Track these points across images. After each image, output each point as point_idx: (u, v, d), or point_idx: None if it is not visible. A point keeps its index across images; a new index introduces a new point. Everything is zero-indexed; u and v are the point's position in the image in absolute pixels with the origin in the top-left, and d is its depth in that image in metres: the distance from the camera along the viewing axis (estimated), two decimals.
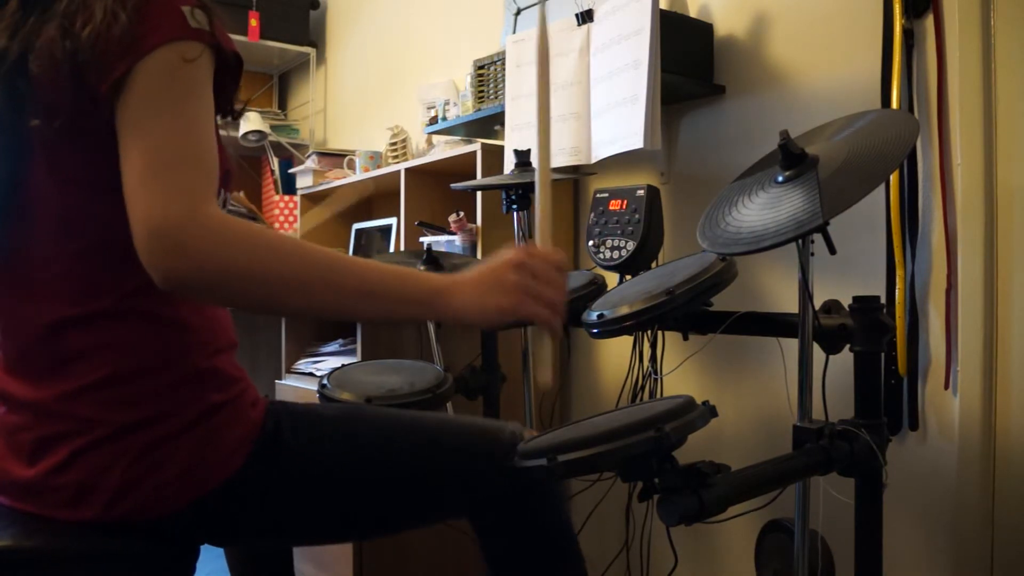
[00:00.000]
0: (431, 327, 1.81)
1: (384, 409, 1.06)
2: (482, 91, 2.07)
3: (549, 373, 0.89)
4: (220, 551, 1.10)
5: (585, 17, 1.78)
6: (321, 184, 2.81)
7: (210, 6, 0.83)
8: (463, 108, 2.16)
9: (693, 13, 1.83)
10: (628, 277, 1.55)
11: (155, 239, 0.73)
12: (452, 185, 1.81)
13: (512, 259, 0.86)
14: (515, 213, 1.71)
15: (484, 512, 1.06)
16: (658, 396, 1.62)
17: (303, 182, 2.96)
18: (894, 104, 1.42)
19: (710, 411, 0.93)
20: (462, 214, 2.04)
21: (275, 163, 3.32)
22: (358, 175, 2.62)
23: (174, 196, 0.74)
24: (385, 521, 1.03)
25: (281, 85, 3.77)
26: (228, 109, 0.91)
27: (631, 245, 1.54)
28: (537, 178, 0.95)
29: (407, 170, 2.28)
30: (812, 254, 1.11)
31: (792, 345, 1.17)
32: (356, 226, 2.83)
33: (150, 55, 0.77)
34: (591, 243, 1.63)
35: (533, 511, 1.05)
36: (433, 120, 2.29)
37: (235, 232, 0.75)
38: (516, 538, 1.06)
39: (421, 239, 2.20)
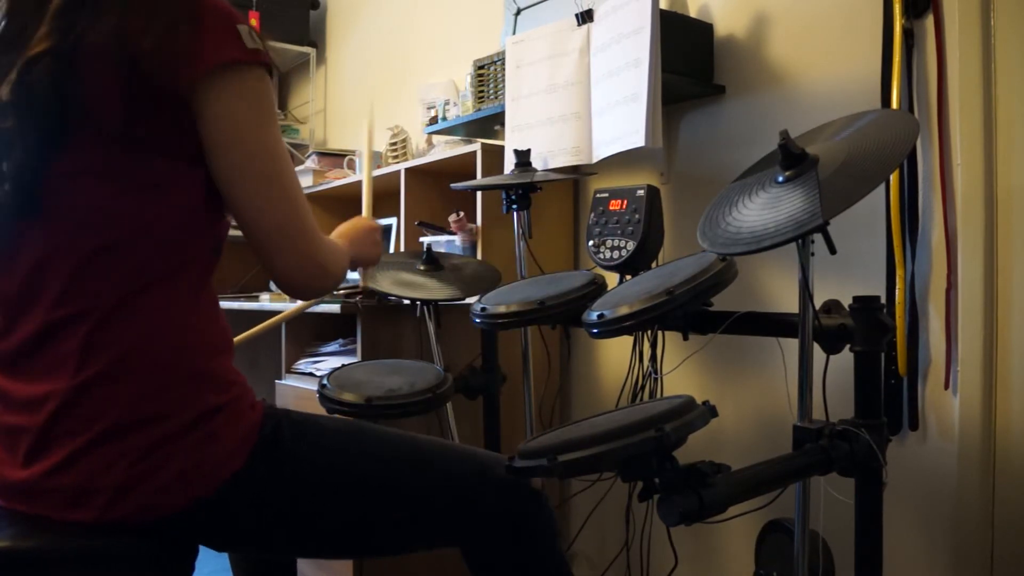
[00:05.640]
0: (431, 327, 1.80)
1: (384, 428, 1.06)
2: (482, 91, 2.07)
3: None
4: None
5: (585, 17, 1.78)
6: (321, 184, 2.81)
7: (254, 27, 0.89)
8: (463, 108, 2.16)
9: (693, 13, 1.83)
10: (628, 277, 1.55)
11: (295, 289, 0.98)
12: (452, 185, 1.81)
13: (374, 225, 1.30)
14: (515, 213, 1.71)
15: (477, 541, 1.05)
16: (658, 396, 1.62)
17: (303, 182, 2.96)
18: (894, 104, 1.42)
19: (710, 411, 0.93)
20: (462, 214, 2.04)
21: None
22: (358, 175, 2.62)
23: (304, 258, 0.94)
24: (379, 539, 1.02)
25: (281, 85, 3.77)
26: None
27: (631, 245, 1.54)
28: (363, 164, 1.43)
29: (407, 170, 2.27)
30: (812, 254, 1.10)
31: (792, 345, 1.17)
32: None
33: (230, 72, 0.84)
34: (591, 243, 1.63)
35: (525, 544, 1.05)
36: (433, 120, 2.29)
37: (335, 258, 1.01)
38: (508, 570, 1.06)
39: (421, 239, 2.20)
